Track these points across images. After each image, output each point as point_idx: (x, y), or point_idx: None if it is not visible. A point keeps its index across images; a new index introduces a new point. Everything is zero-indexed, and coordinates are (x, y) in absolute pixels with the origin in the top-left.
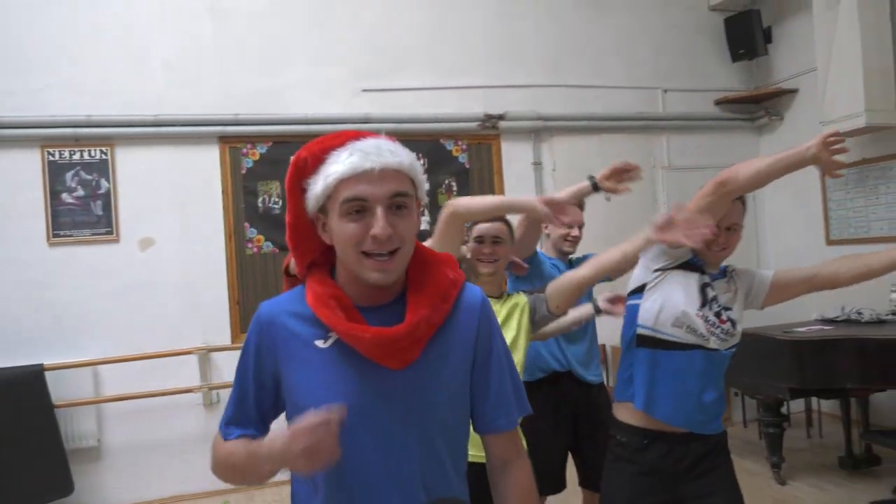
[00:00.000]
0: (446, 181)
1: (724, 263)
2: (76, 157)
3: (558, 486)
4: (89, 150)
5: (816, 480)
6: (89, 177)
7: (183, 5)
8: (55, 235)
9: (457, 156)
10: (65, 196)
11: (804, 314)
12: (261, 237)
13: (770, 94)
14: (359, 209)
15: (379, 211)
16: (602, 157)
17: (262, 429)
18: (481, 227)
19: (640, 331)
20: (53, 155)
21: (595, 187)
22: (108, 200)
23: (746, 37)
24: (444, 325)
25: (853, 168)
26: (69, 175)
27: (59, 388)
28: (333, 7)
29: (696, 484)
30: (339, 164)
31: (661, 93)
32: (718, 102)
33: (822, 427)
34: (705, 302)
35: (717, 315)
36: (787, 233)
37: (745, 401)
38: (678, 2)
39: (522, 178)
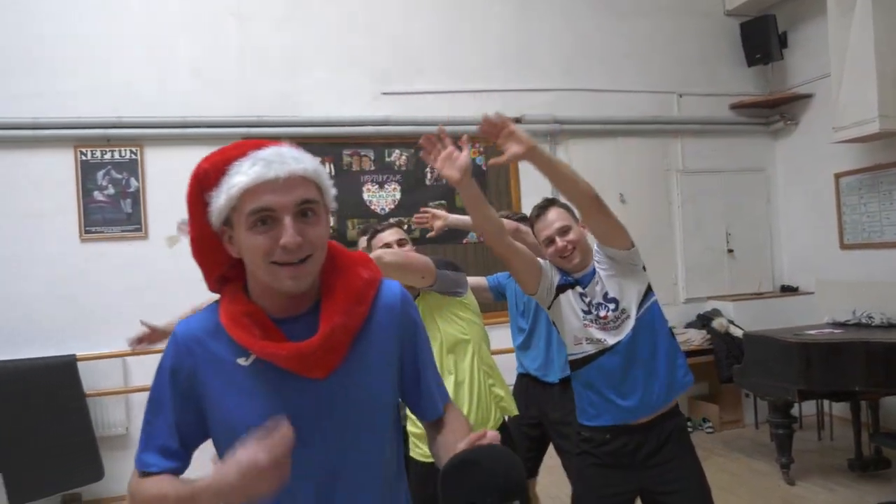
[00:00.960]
0: None
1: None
2: (107, 156)
3: (529, 472)
4: (119, 150)
5: (825, 482)
6: (119, 176)
7: (208, 10)
8: (87, 232)
9: (474, 158)
10: (96, 194)
11: (817, 318)
12: None
13: (785, 98)
14: (265, 219)
15: (287, 220)
16: (618, 159)
17: (184, 459)
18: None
19: (570, 359)
20: (86, 155)
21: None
22: (137, 199)
23: (762, 41)
24: (364, 327)
25: (867, 173)
26: (100, 174)
27: (90, 379)
28: (354, 13)
29: (659, 474)
30: (243, 175)
31: (677, 97)
32: (734, 107)
33: (832, 430)
34: (588, 309)
35: (597, 314)
36: (801, 237)
37: (758, 403)
38: (694, 7)
39: (539, 182)
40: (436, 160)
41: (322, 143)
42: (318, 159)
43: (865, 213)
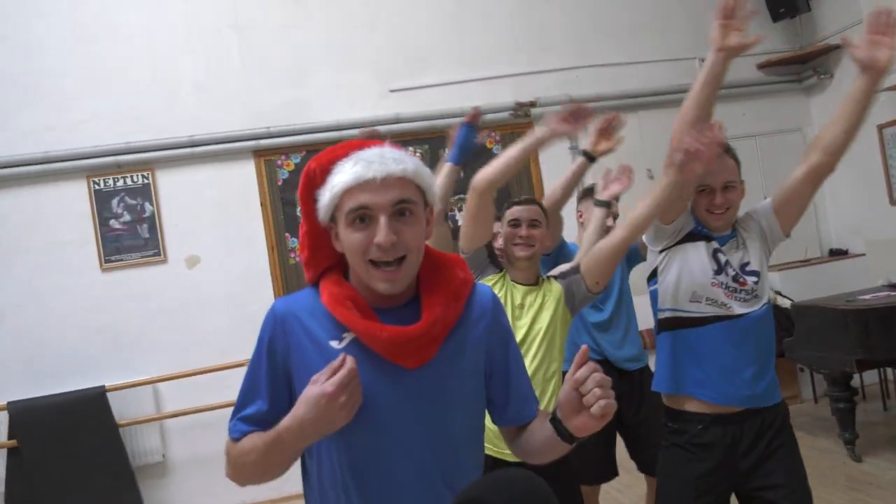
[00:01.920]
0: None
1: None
2: (119, 183)
3: (608, 474)
4: (132, 176)
5: (895, 455)
6: (133, 201)
7: (206, 25)
8: (107, 261)
9: (491, 147)
10: (112, 222)
11: (870, 281)
12: None
13: (817, 51)
14: (363, 217)
15: (382, 219)
16: (641, 135)
17: (276, 416)
18: (516, 210)
19: (660, 315)
20: (98, 183)
21: (589, 157)
22: (153, 223)
23: None
24: (456, 325)
25: None
26: (115, 201)
27: (122, 408)
28: (353, 12)
29: (758, 472)
30: (344, 174)
31: (699, 62)
32: (762, 66)
33: None
34: (720, 269)
35: (735, 279)
36: (847, 197)
37: (815, 376)
38: None
39: (559, 164)
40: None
41: None
42: (419, 161)
43: None
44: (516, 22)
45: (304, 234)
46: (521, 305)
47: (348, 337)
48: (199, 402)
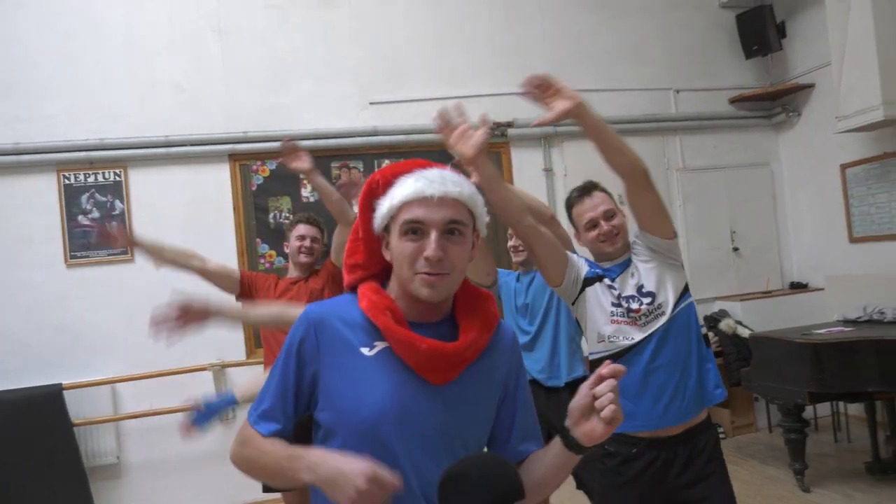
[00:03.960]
0: None
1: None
2: (90, 179)
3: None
4: (103, 173)
5: (842, 487)
6: (104, 198)
7: (189, 27)
8: (72, 257)
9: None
10: (81, 218)
11: (828, 315)
12: (272, 252)
13: (786, 89)
14: (416, 230)
15: (433, 234)
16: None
17: (289, 421)
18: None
19: (590, 358)
20: (69, 178)
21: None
22: (122, 221)
23: (759, 32)
24: (483, 354)
25: (874, 163)
26: (84, 197)
27: (79, 407)
28: (337, 22)
29: (689, 494)
30: (405, 188)
31: (674, 93)
32: (733, 101)
33: (849, 431)
34: (617, 302)
35: (628, 310)
36: (809, 232)
37: (770, 406)
38: (688, 0)
39: (534, 185)
40: (449, 136)
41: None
42: (475, 188)
43: (874, 205)
44: (497, 42)
45: (360, 239)
46: None
47: (379, 346)
48: (157, 404)
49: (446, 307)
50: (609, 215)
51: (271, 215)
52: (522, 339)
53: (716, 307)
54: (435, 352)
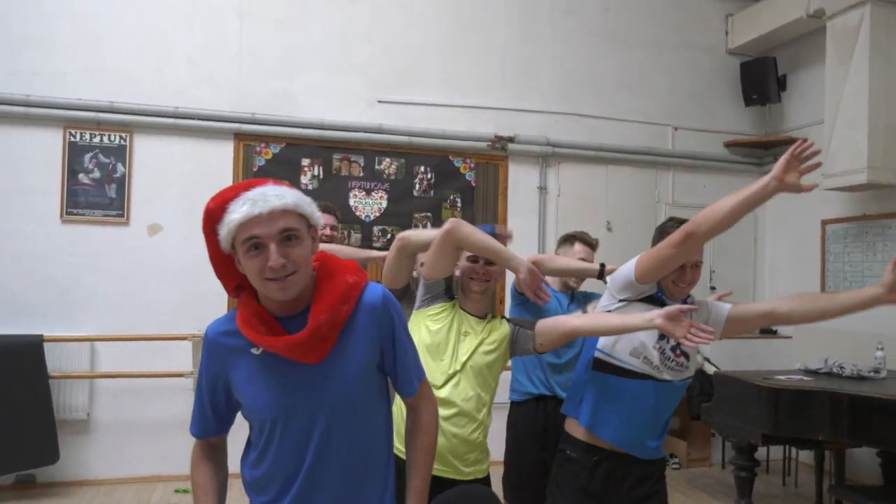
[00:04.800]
0: (451, 197)
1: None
2: (96, 140)
3: (536, 498)
4: (109, 135)
5: None
6: (107, 160)
7: (210, 4)
8: (68, 213)
9: (464, 173)
10: (81, 176)
11: (792, 363)
12: None
13: (779, 141)
14: (256, 245)
15: (272, 246)
16: (608, 187)
17: (224, 426)
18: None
19: (597, 354)
20: (75, 136)
21: (601, 276)
22: (122, 184)
23: (761, 83)
24: (350, 322)
25: (853, 222)
26: (87, 157)
27: (56, 360)
28: (356, 19)
29: None
30: (236, 213)
31: (672, 130)
32: (728, 145)
33: (797, 476)
34: (663, 335)
35: (674, 349)
36: (784, 280)
37: (725, 443)
38: (697, 42)
39: (526, 201)
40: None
41: (313, 146)
42: (299, 192)
43: (849, 263)
44: (508, 58)
45: (210, 259)
46: (466, 333)
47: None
48: (133, 367)
49: (307, 295)
50: (697, 264)
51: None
52: (552, 360)
53: None
54: (289, 345)
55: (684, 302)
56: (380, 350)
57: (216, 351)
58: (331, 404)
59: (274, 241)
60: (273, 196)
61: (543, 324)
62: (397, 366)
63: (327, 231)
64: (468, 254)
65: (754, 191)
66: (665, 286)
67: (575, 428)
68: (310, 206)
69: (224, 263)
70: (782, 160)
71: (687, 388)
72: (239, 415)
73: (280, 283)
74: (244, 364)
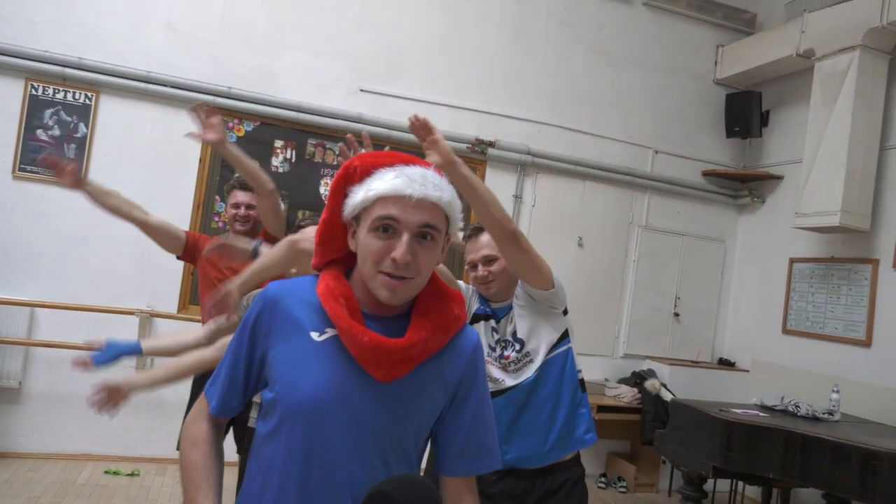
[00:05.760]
0: None
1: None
2: (59, 96)
3: None
4: (74, 93)
5: None
6: (69, 118)
7: None
8: (21, 169)
9: (440, 173)
10: (39, 132)
11: (747, 397)
12: None
13: (756, 175)
14: (387, 227)
15: (405, 236)
16: (583, 203)
17: (243, 400)
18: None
19: None
20: (37, 90)
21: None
22: (82, 145)
23: (744, 116)
24: (436, 356)
25: (820, 263)
26: (48, 112)
27: None
28: (347, 2)
29: None
30: (384, 182)
31: (653, 153)
32: (706, 174)
33: None
34: (493, 346)
35: (501, 353)
36: (747, 314)
37: (674, 471)
38: (686, 69)
39: (501, 199)
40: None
41: (288, 128)
42: (455, 192)
43: (812, 303)
44: (497, 62)
45: (324, 221)
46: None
47: (330, 332)
48: (73, 337)
49: (405, 304)
50: (488, 260)
51: (236, 175)
52: None
53: (645, 365)
54: (377, 346)
55: (510, 303)
56: (448, 405)
57: (274, 312)
58: (377, 434)
59: (411, 231)
60: (432, 184)
61: None
62: (460, 433)
63: (241, 211)
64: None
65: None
66: (483, 293)
67: None
68: (459, 214)
69: (334, 232)
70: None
71: (640, 413)
72: None
73: (395, 282)
74: (296, 344)
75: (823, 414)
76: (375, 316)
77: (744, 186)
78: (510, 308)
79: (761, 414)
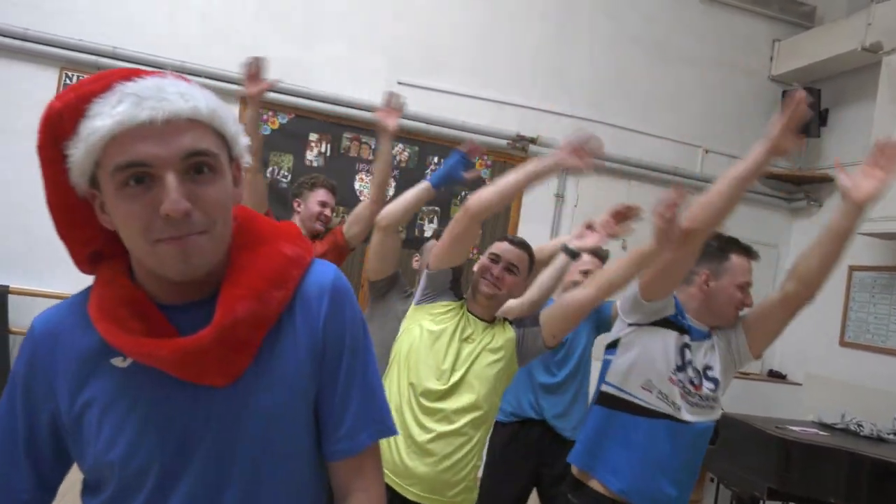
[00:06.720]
0: (463, 193)
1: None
2: None
3: None
4: None
5: None
6: None
7: None
8: None
9: (479, 169)
10: None
11: (800, 412)
12: None
13: (813, 178)
14: (139, 177)
15: (170, 178)
16: (627, 202)
17: (43, 495)
18: (502, 247)
19: (604, 388)
20: (71, 79)
21: (571, 254)
22: None
23: None
24: (283, 320)
25: (883, 273)
26: None
27: (19, 315)
28: None
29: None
30: (105, 117)
31: (703, 152)
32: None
33: None
34: (682, 366)
35: (693, 382)
36: (801, 324)
37: (721, 489)
38: (740, 64)
39: (541, 208)
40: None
41: (323, 120)
42: (216, 97)
43: (874, 314)
44: (540, 56)
45: (50, 205)
46: (468, 339)
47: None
48: None
49: (217, 273)
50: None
51: (269, 169)
52: (545, 380)
53: None
54: (183, 354)
55: (708, 333)
56: (319, 367)
57: (51, 355)
58: (246, 456)
59: (174, 169)
60: (175, 94)
61: (547, 311)
62: (335, 401)
63: (327, 211)
64: (492, 250)
65: (747, 167)
66: (725, 313)
67: (577, 472)
68: (235, 125)
69: (72, 212)
70: (777, 124)
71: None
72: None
73: (180, 244)
74: (98, 383)
75: (889, 435)
76: (182, 305)
77: (799, 189)
78: (707, 337)
79: (821, 433)
